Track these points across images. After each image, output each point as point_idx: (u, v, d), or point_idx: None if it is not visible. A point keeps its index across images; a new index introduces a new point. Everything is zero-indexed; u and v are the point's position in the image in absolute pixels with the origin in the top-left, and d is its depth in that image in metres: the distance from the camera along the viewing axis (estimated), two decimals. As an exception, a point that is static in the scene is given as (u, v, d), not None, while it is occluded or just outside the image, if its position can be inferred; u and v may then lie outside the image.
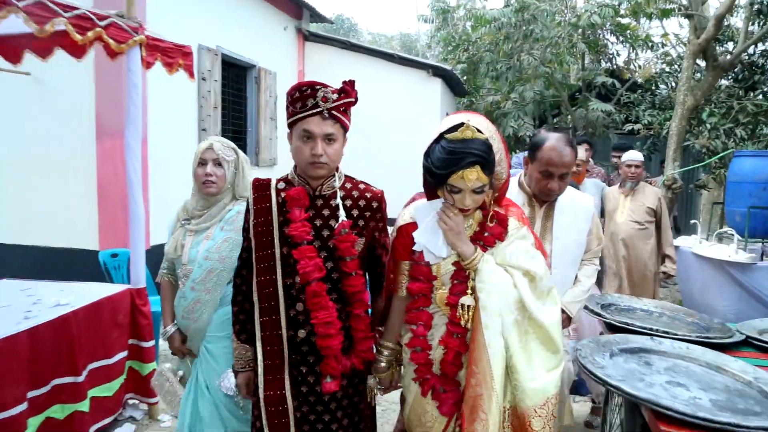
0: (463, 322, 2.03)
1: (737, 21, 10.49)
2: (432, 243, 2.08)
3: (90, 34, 3.23)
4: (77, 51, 3.48)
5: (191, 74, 4.22)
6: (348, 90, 2.12)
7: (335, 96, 2.07)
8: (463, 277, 2.07)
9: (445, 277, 2.10)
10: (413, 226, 2.18)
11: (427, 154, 2.05)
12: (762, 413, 1.76)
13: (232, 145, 2.79)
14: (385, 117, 10.22)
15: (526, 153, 2.88)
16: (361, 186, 2.29)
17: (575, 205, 2.86)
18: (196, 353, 2.73)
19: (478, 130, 1.98)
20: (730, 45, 10.16)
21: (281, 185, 2.24)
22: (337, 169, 2.23)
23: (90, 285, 3.95)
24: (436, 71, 10.55)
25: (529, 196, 2.80)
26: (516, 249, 2.09)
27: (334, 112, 2.07)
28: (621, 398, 2.43)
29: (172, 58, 4.07)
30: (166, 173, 6.26)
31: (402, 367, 2.30)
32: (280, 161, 9.69)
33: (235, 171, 2.72)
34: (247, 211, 2.27)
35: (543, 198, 2.77)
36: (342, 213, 2.16)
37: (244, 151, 9.09)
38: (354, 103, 2.16)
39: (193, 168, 2.69)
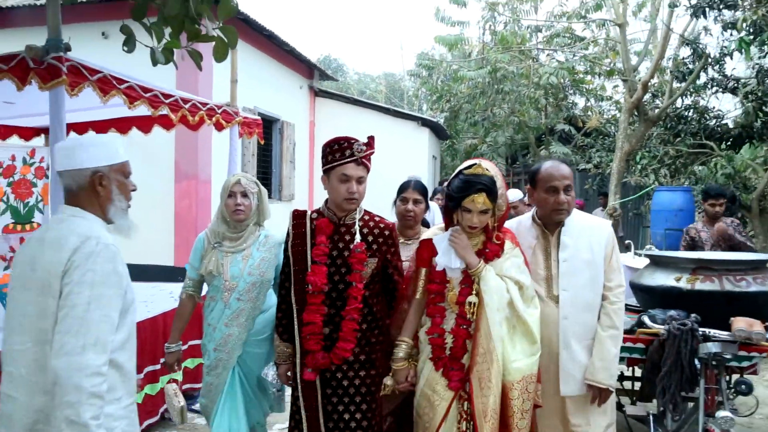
0: (468, 316, 2.49)
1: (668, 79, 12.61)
2: (447, 261, 2.53)
3: (205, 116, 5.04)
4: (194, 127, 5.27)
5: (261, 138, 6.06)
6: (371, 143, 2.63)
7: (364, 147, 2.57)
8: (468, 282, 2.52)
9: (454, 281, 2.57)
10: (431, 242, 2.66)
11: (449, 184, 2.60)
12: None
13: (255, 179, 3.13)
14: (382, 160, 12.05)
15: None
16: (377, 218, 2.74)
17: (588, 228, 2.78)
18: (229, 357, 2.95)
19: (487, 170, 2.52)
20: (661, 100, 12.24)
21: (314, 215, 2.70)
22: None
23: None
24: (425, 122, 12.54)
25: (542, 228, 2.79)
26: (511, 264, 2.56)
27: (363, 160, 2.57)
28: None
29: (250, 128, 5.90)
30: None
31: (417, 363, 2.66)
32: (297, 196, 11.50)
33: (258, 201, 3.06)
34: (288, 234, 2.73)
35: (556, 218, 2.72)
36: (358, 237, 2.61)
37: (270, 189, 10.92)
38: (374, 153, 2.65)
39: (223, 199, 3.02)
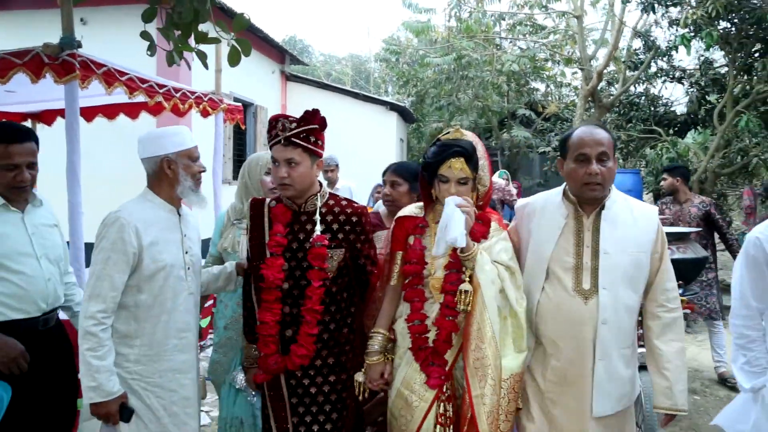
0: (462, 307, 2.13)
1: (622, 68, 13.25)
2: (445, 236, 2.09)
3: (191, 103, 5.33)
4: (182, 114, 5.55)
5: (243, 124, 6.36)
6: (308, 117, 2.25)
7: (293, 125, 2.23)
8: (457, 266, 2.20)
9: (437, 264, 2.25)
10: (411, 220, 2.36)
11: (424, 154, 2.32)
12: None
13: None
14: (352, 142, 12.40)
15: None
16: (343, 203, 2.43)
17: (633, 214, 2.26)
18: (239, 336, 2.79)
19: (465, 134, 2.29)
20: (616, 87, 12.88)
21: (272, 203, 2.43)
22: (320, 187, 2.42)
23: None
24: (393, 106, 12.90)
25: (574, 206, 2.27)
26: (501, 248, 2.26)
27: (293, 139, 2.22)
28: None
29: (233, 114, 6.19)
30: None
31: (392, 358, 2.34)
32: (270, 178, 11.76)
33: None
34: (247, 226, 2.49)
35: (588, 194, 2.19)
36: (318, 228, 2.32)
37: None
38: (319, 129, 2.30)
39: (254, 176, 2.93)
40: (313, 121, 2.27)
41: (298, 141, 2.24)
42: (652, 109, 10.93)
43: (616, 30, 10.94)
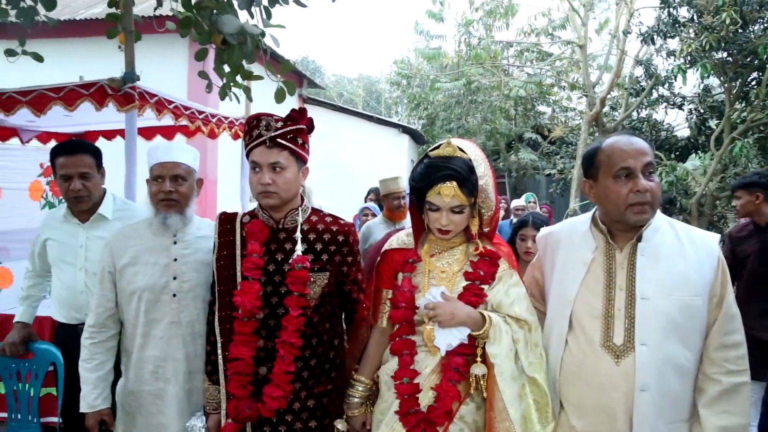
0: (479, 393, 1.80)
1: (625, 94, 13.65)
2: (448, 337, 1.80)
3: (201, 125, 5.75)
4: (191, 133, 5.90)
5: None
6: (295, 116, 1.96)
7: (279, 124, 1.93)
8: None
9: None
10: (400, 252, 1.97)
11: (412, 172, 1.90)
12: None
13: None
14: (366, 162, 12.82)
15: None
16: (328, 219, 2.08)
17: (683, 244, 1.75)
18: None
19: (461, 150, 1.82)
20: (619, 112, 13.26)
21: (246, 219, 2.07)
22: (302, 201, 2.08)
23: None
24: (405, 129, 13.34)
25: (604, 237, 1.81)
26: (516, 297, 1.84)
27: (279, 140, 1.91)
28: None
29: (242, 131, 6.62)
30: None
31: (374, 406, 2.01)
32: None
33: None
34: (214, 244, 2.10)
35: (635, 218, 1.71)
36: (299, 247, 1.98)
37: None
38: (306, 131, 2.00)
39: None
40: (301, 121, 1.97)
41: (284, 142, 1.92)
42: (654, 134, 11.28)
43: (618, 59, 11.35)
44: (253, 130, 1.97)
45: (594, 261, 1.80)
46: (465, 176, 1.79)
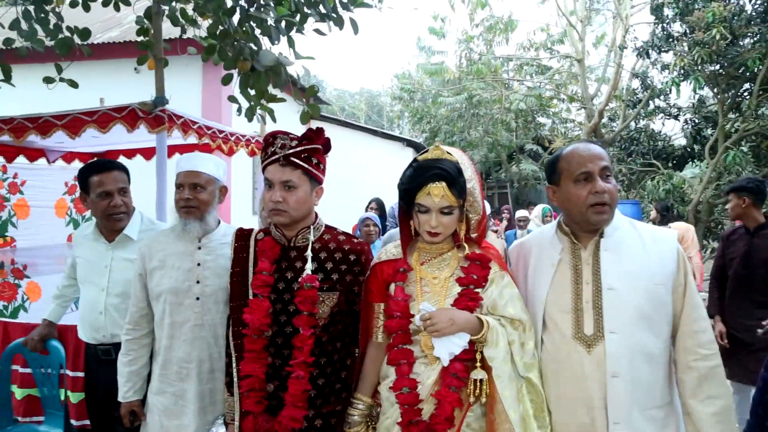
0: (473, 399, 1.79)
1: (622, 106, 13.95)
2: (450, 346, 1.79)
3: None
4: (209, 150, 6.23)
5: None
6: (311, 136, 1.97)
7: (294, 143, 1.94)
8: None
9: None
10: (389, 264, 1.96)
11: (402, 176, 1.92)
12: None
13: None
14: (370, 175, 13.11)
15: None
16: (341, 238, 2.07)
17: (644, 240, 1.85)
18: None
19: (448, 153, 1.87)
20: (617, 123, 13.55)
21: (260, 236, 2.10)
22: (316, 218, 2.09)
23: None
24: (409, 143, 13.63)
25: (570, 239, 1.91)
26: (509, 297, 1.87)
27: (293, 159, 1.92)
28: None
29: (259, 149, 6.92)
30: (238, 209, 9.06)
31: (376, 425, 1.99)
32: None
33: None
34: (230, 260, 2.14)
35: (595, 218, 1.81)
36: (308, 266, 1.97)
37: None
38: (322, 151, 2.00)
39: None
40: (317, 141, 1.98)
41: (298, 161, 1.93)
42: (651, 143, 11.55)
43: (615, 72, 11.66)
44: (268, 147, 1.98)
45: (561, 261, 1.90)
46: (454, 177, 1.82)
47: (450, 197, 1.80)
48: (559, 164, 1.88)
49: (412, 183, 1.84)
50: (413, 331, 1.88)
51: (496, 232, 6.69)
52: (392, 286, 1.92)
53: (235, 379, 2.04)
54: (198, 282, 2.30)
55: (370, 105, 30.54)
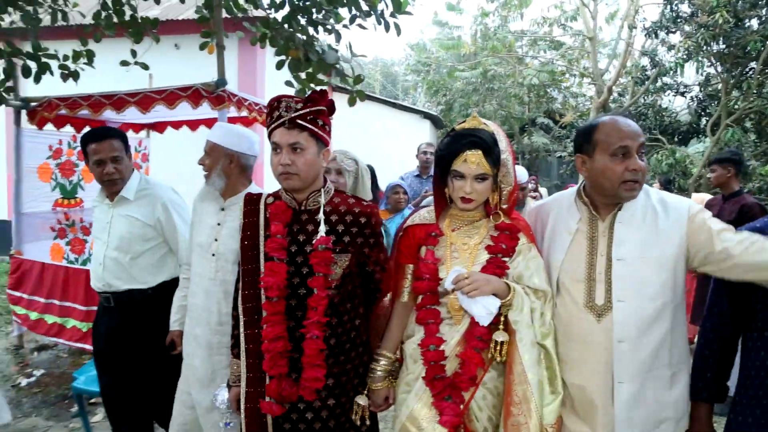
0: (498, 359, 1.83)
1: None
2: (478, 309, 1.81)
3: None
4: (249, 123, 6.75)
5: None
6: (315, 98, 1.95)
7: (299, 105, 1.92)
8: None
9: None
10: (421, 228, 2.00)
11: (439, 144, 1.97)
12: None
13: (353, 155, 2.75)
14: (389, 147, 13.49)
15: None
16: (351, 201, 2.07)
17: (656, 209, 1.87)
18: None
19: (485, 124, 1.92)
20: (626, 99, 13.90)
21: (270, 200, 2.10)
22: (325, 182, 2.08)
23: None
24: (426, 115, 14.06)
25: (589, 209, 1.92)
26: (534, 268, 1.90)
27: (299, 121, 1.89)
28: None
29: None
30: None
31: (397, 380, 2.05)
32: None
33: (355, 179, 2.73)
34: (240, 224, 2.14)
35: (626, 194, 1.82)
36: (322, 228, 1.96)
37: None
38: (327, 112, 1.98)
39: None
40: (321, 102, 1.96)
41: (304, 123, 1.91)
42: (658, 119, 11.91)
43: (624, 51, 11.99)
44: (273, 111, 1.96)
45: (578, 230, 1.91)
46: (490, 146, 1.85)
47: (485, 165, 1.84)
48: (596, 135, 1.84)
49: (450, 149, 1.88)
50: (440, 293, 1.93)
51: (535, 198, 6.68)
52: (423, 249, 1.98)
53: (242, 343, 2.05)
54: (216, 240, 2.46)
55: (384, 74, 30.51)
